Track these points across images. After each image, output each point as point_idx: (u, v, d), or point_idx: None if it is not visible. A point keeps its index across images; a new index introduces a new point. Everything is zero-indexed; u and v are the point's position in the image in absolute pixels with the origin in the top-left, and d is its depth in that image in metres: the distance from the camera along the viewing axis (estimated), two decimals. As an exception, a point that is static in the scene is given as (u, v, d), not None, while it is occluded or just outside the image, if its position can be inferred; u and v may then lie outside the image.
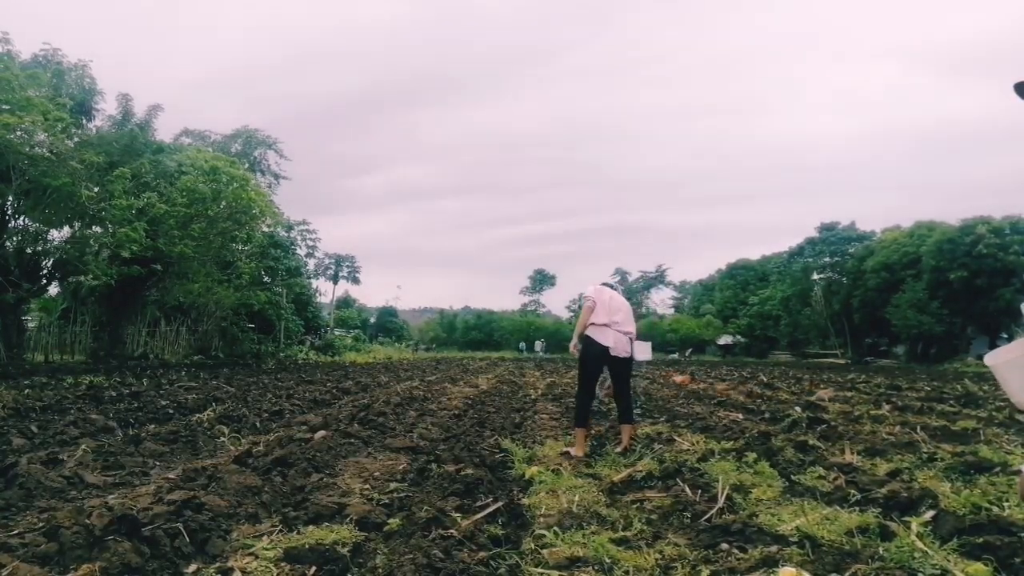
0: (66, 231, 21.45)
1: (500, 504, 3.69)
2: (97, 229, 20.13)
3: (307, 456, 5.16)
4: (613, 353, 6.39)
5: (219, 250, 28.19)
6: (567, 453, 6.06)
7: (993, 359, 2.38)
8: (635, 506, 4.09)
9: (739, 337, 72.84)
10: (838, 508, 4.05)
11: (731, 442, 6.73)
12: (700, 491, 4.34)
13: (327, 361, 33.95)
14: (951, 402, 11.74)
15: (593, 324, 6.43)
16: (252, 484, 4.25)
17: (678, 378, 15.44)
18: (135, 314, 27.73)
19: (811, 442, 6.68)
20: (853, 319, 55.16)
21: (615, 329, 6.41)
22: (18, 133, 16.69)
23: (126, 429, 7.14)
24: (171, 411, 8.45)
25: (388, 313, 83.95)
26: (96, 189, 19.32)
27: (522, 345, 63.92)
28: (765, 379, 19.90)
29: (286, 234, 38.89)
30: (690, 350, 69.60)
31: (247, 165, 34.42)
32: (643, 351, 6.68)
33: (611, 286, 7.14)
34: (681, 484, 4.43)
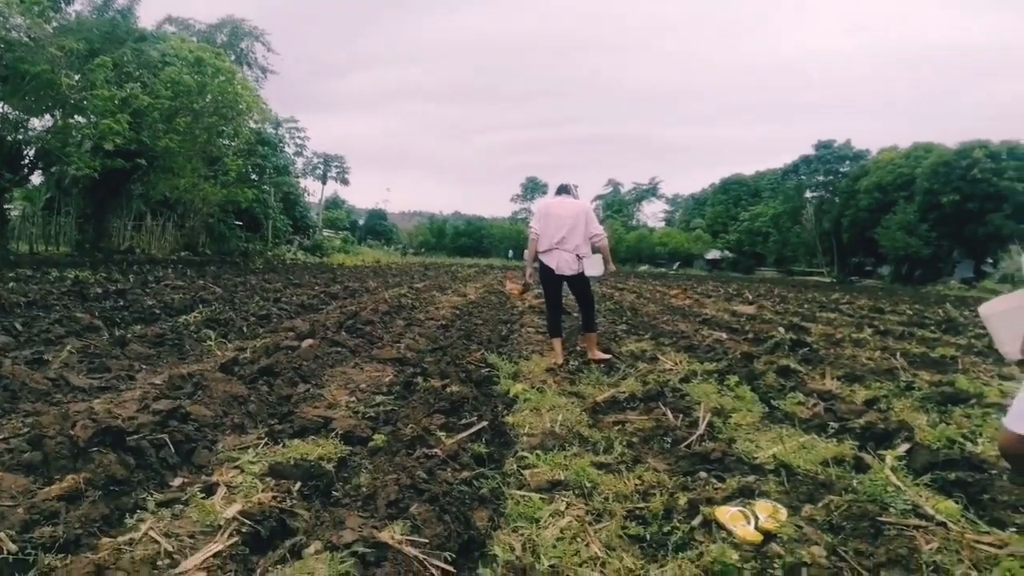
0: (47, 119, 20.87)
1: (484, 423, 3.73)
2: (79, 119, 19.51)
3: (294, 365, 5.18)
4: (559, 272, 6.54)
5: (205, 145, 27.62)
6: (551, 369, 6.16)
7: (987, 309, 2.36)
8: (617, 428, 4.15)
9: (727, 252, 73.15)
10: (815, 436, 4.14)
11: (714, 364, 6.81)
12: (681, 415, 4.41)
13: (315, 262, 33.86)
14: (932, 327, 11.90)
15: (540, 252, 6.63)
16: (238, 393, 4.26)
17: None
18: (120, 208, 27.37)
19: (792, 366, 6.76)
20: (842, 238, 55.29)
21: (560, 249, 6.50)
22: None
23: (112, 329, 7.13)
24: (157, 311, 8.43)
25: (377, 216, 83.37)
26: (77, 77, 18.61)
27: (511, 252, 63.96)
28: (750, 296, 20.06)
29: (274, 131, 38.03)
30: (678, 264, 70.04)
31: (233, 57, 33.28)
32: (593, 267, 6.62)
33: (567, 190, 6.97)
34: (663, 408, 4.49)
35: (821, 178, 60.66)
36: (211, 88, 23.67)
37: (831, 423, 4.47)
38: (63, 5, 20.93)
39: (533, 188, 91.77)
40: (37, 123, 20.80)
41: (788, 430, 4.31)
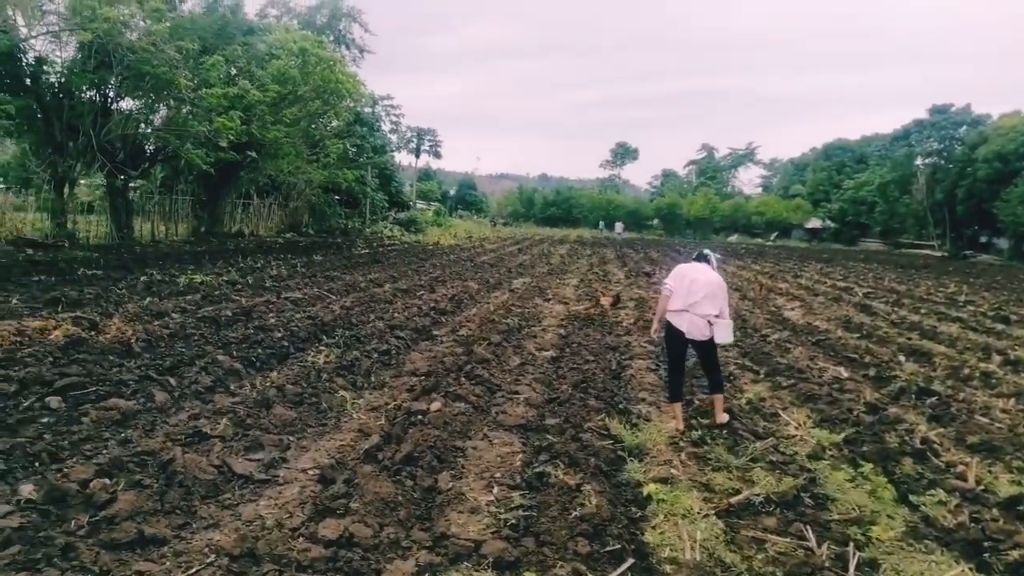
0: (164, 113, 21.98)
1: (631, 562, 3.83)
2: (192, 119, 20.44)
3: (429, 444, 5.42)
4: (688, 336, 6.57)
5: (307, 129, 28.52)
6: (674, 439, 6.23)
7: None
8: (756, 550, 4.18)
9: (829, 222, 70.16)
10: (966, 570, 4.04)
11: (839, 428, 6.68)
12: (821, 532, 4.39)
13: (412, 242, 34.59)
14: (1068, 354, 11.17)
15: (671, 310, 6.65)
16: (387, 494, 4.52)
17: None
18: (230, 193, 28.66)
19: (924, 432, 6.57)
20: (956, 210, 52.10)
21: (692, 312, 6.53)
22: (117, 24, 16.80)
23: (250, 372, 7.62)
24: (286, 343, 8.90)
25: (467, 185, 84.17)
26: (191, 76, 19.48)
27: (601, 224, 63.48)
28: (859, 293, 19.29)
29: (371, 111, 38.78)
30: (775, 234, 67.78)
31: (332, 38, 34.02)
32: (724, 334, 6.61)
33: (707, 259, 6.99)
34: (802, 525, 4.47)
35: (935, 145, 57.01)
36: (314, 75, 24.30)
37: (981, 541, 4.37)
38: (177, 3, 21.84)
39: (623, 154, 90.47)
40: (156, 119, 21.96)
41: (937, 556, 4.23)
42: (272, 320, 10.37)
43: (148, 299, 11.57)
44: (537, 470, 5.17)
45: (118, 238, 21.46)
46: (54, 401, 6.03)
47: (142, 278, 14.04)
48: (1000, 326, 14.24)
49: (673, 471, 5.36)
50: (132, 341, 8.13)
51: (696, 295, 6.50)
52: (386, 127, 43.42)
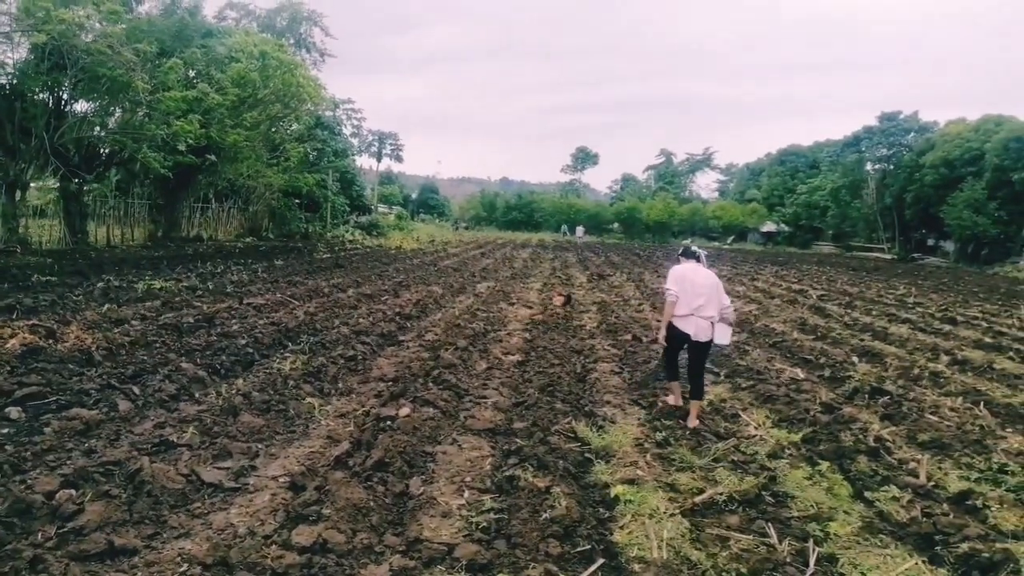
0: (119, 115, 21.55)
1: (601, 562, 3.94)
2: (149, 122, 20.07)
3: (399, 449, 5.46)
4: (695, 339, 6.85)
5: (267, 132, 28.22)
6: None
7: None
8: (720, 548, 4.32)
9: (783, 226, 71.70)
10: (919, 563, 4.24)
11: (797, 428, 6.90)
12: (783, 529, 4.56)
13: (374, 246, 34.40)
14: (1011, 354, 11.65)
15: (677, 315, 6.84)
16: (359, 500, 4.55)
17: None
18: (188, 197, 28.20)
19: (877, 430, 6.83)
20: (904, 214, 53.72)
21: (698, 316, 6.80)
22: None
23: (215, 379, 7.56)
24: (251, 349, 8.83)
25: (429, 189, 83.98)
26: (148, 79, 19.14)
27: (564, 228, 63.86)
28: (814, 296, 19.80)
29: (331, 114, 38.48)
30: (732, 238, 69.03)
31: (292, 41, 33.74)
32: (723, 335, 6.92)
33: (696, 256, 7.21)
34: (763, 522, 4.64)
35: (884, 151, 58.64)
36: (274, 78, 24.09)
37: (932, 535, 4.58)
38: (134, 5, 21.45)
39: (584, 159, 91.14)
40: (112, 122, 21.52)
41: (892, 550, 4.43)
42: (235, 326, 10.28)
43: (107, 306, 11.37)
44: (507, 473, 5.25)
45: (72, 243, 20.99)
46: (14, 411, 5.93)
47: (99, 284, 13.77)
48: (947, 327, 14.77)
49: (639, 472, 5.49)
50: (92, 349, 7.99)
51: (700, 298, 6.75)
52: (347, 131, 43.10)
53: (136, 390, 6.77)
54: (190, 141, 20.08)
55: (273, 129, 29.09)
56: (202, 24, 23.33)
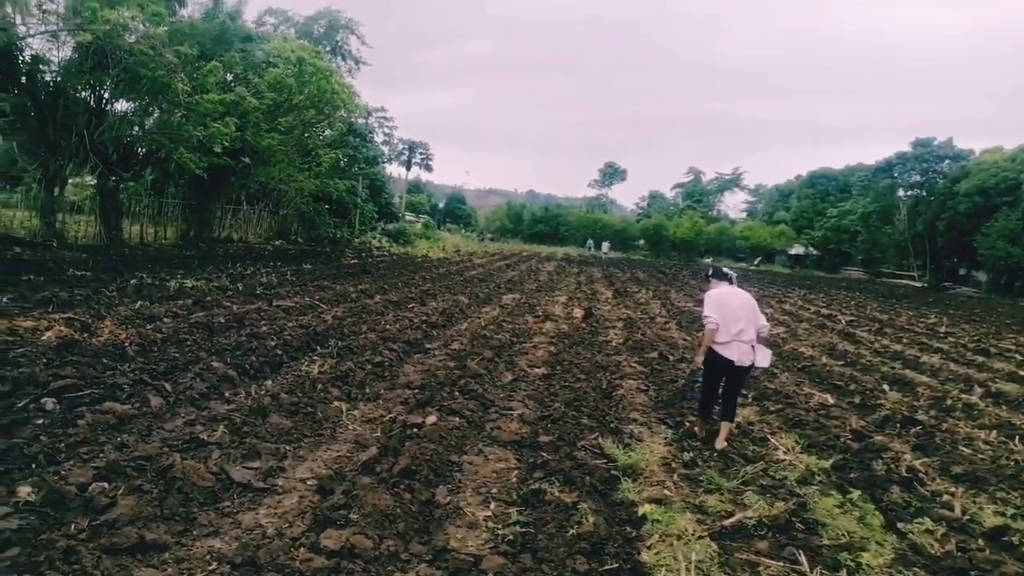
0: (158, 116, 21.91)
1: (629, 580, 3.91)
2: (187, 122, 20.39)
3: (425, 457, 5.46)
4: (737, 364, 6.66)
5: (300, 137, 28.54)
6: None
7: None
8: (750, 573, 4.26)
9: (811, 249, 70.94)
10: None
11: (827, 454, 6.80)
12: (814, 557, 4.48)
13: (401, 254, 34.59)
14: (1047, 388, 11.39)
15: (718, 343, 6.66)
16: (385, 507, 4.55)
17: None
18: (220, 199, 28.58)
19: (909, 460, 6.70)
20: (936, 242, 52.91)
21: (739, 341, 6.64)
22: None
23: (245, 380, 7.62)
24: (279, 351, 8.90)
25: (456, 199, 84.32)
26: (188, 81, 19.46)
27: (589, 243, 63.74)
28: (843, 321, 19.53)
29: (364, 121, 38.85)
30: (759, 259, 68.39)
31: (329, 48, 34.18)
32: (764, 358, 6.81)
33: (728, 277, 7.15)
34: (794, 549, 4.56)
35: (917, 177, 57.92)
36: (309, 84, 24.40)
37: (968, 570, 4.48)
38: (176, 7, 21.86)
39: (612, 174, 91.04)
40: (150, 122, 21.88)
41: (923, 583, 4.33)
42: (264, 328, 10.37)
43: (139, 302, 11.53)
44: (533, 487, 5.23)
45: (107, 239, 21.33)
46: (49, 403, 6.01)
47: (132, 281, 13.98)
48: (980, 358, 14.49)
49: (666, 492, 5.43)
50: (126, 344, 8.12)
51: (739, 323, 6.61)
52: (379, 138, 43.48)
53: (168, 387, 6.85)
54: (226, 143, 20.36)
55: (306, 134, 29.41)
56: (242, 28, 23.69)
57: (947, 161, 56.20)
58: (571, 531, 4.48)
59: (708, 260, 64.56)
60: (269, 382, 7.62)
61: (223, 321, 10.46)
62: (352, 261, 26.37)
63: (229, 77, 22.50)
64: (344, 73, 32.70)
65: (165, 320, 10.26)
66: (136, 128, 21.22)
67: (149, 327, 9.46)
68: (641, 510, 4.96)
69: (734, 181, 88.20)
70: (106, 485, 4.52)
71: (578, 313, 15.24)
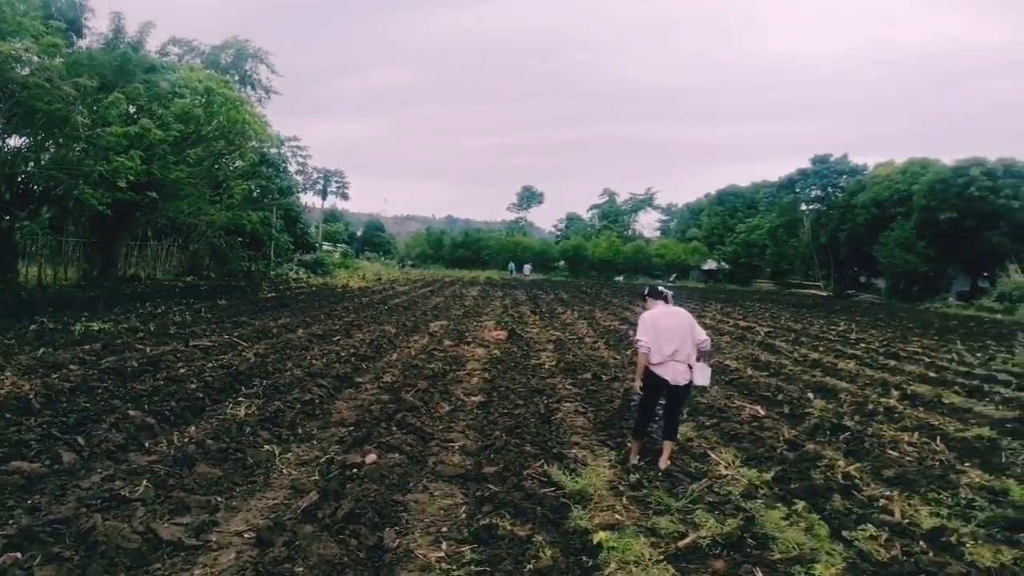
0: (55, 151, 20.78)
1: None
2: (87, 157, 19.39)
3: (369, 499, 5.21)
4: (672, 383, 6.69)
5: (210, 169, 27.62)
6: (613, 485, 6.35)
7: None
8: (711, 595, 4.21)
9: (723, 263, 73.47)
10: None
11: (766, 466, 6.89)
12: (769, 573, 4.48)
13: (320, 285, 33.80)
14: (956, 388, 11.99)
15: (652, 364, 6.70)
16: (332, 555, 4.30)
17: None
18: (125, 235, 27.28)
19: (843, 466, 6.87)
20: (839, 252, 55.71)
21: (674, 361, 6.67)
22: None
23: (165, 427, 7.16)
24: (200, 394, 8.44)
25: (374, 227, 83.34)
26: (88, 114, 18.54)
27: (511, 266, 64.00)
28: (761, 332, 20.16)
29: (276, 151, 37.96)
30: (675, 275, 70.18)
31: (237, 78, 33.29)
32: (702, 377, 6.87)
33: (664, 296, 7.17)
34: (750, 566, 4.55)
35: (817, 192, 61.04)
36: (219, 115, 23.69)
37: (916, 574, 4.58)
38: (74, 39, 20.88)
39: (530, 197, 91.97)
40: (45, 157, 20.72)
41: (876, 591, 4.39)
42: (182, 370, 9.83)
43: (42, 349, 10.78)
44: (483, 522, 5.06)
45: (1, 283, 19.95)
46: (-54, 467, 5.46)
47: (32, 326, 13.08)
48: (892, 362, 15.17)
49: (618, 516, 5.36)
50: (30, 397, 7.51)
51: (673, 343, 6.62)
52: (292, 168, 42.46)
53: (81, 440, 6.34)
54: (130, 177, 19.44)
55: (216, 166, 28.49)
56: (145, 59, 22.77)
57: (844, 176, 59.44)
58: (528, 566, 4.35)
59: (620, 278, 65.82)
60: (192, 428, 7.18)
61: (136, 365, 9.87)
62: (270, 295, 25.56)
63: (132, 109, 21.55)
64: (254, 103, 31.90)
65: (72, 367, 9.59)
66: (31, 164, 20.04)
67: (55, 376, 8.82)
68: (596, 538, 4.86)
69: (647, 201, 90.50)
70: (19, 555, 4.10)
71: (500, 335, 15.24)
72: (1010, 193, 42.01)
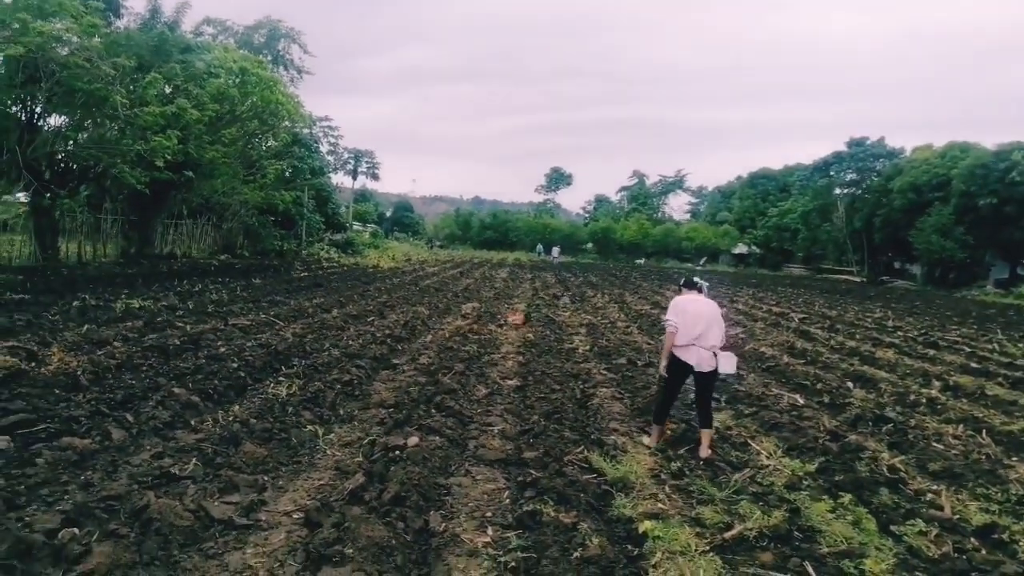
0: (94, 130, 21.04)
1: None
2: (126, 136, 19.59)
3: (413, 481, 5.25)
4: (697, 369, 6.74)
5: (243, 149, 27.82)
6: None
7: None
8: (760, 587, 4.19)
9: (754, 248, 72.65)
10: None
11: (808, 457, 6.82)
12: (818, 567, 4.44)
13: (351, 264, 34.02)
14: (1000, 379, 11.75)
15: (676, 345, 6.73)
16: (380, 538, 4.33)
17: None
18: (162, 214, 27.64)
19: (888, 460, 6.77)
20: (873, 238, 54.71)
21: (699, 346, 6.70)
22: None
23: (209, 407, 7.27)
24: (242, 373, 8.56)
25: (403, 207, 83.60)
26: (126, 94, 18.73)
27: (539, 248, 63.84)
28: (795, 319, 19.91)
29: (308, 131, 38.13)
30: (704, 259, 69.59)
31: (270, 58, 33.47)
32: (728, 364, 6.85)
33: (697, 286, 7.20)
34: (799, 559, 4.51)
35: (853, 176, 59.91)
36: (253, 95, 23.82)
37: (968, 572, 4.51)
38: (112, 19, 21.06)
39: (558, 179, 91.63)
40: (85, 137, 20.98)
41: (928, 588, 4.33)
42: (223, 349, 9.96)
43: (86, 326, 10.97)
44: (527, 508, 5.07)
45: (42, 259, 20.35)
46: (2, 441, 5.60)
47: (74, 303, 13.30)
48: (931, 351, 14.90)
49: (661, 506, 5.34)
50: (78, 373, 7.66)
51: (699, 327, 6.65)
52: (324, 148, 42.74)
53: (129, 417, 6.47)
54: (168, 157, 19.63)
55: (250, 146, 28.68)
56: (181, 39, 22.92)
57: (881, 159, 58.26)
58: (575, 554, 4.35)
59: (641, 261, 65.25)
60: (236, 407, 7.27)
61: (178, 343, 10.02)
62: (303, 274, 25.78)
63: (168, 89, 21.73)
64: (287, 83, 32.06)
65: (116, 344, 9.75)
66: (71, 143, 20.32)
67: (100, 353, 8.97)
68: (641, 527, 4.85)
69: (677, 183, 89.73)
70: (76, 531, 4.19)
71: (516, 319, 15.28)
72: (1053, 178, 40.82)
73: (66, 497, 4.78)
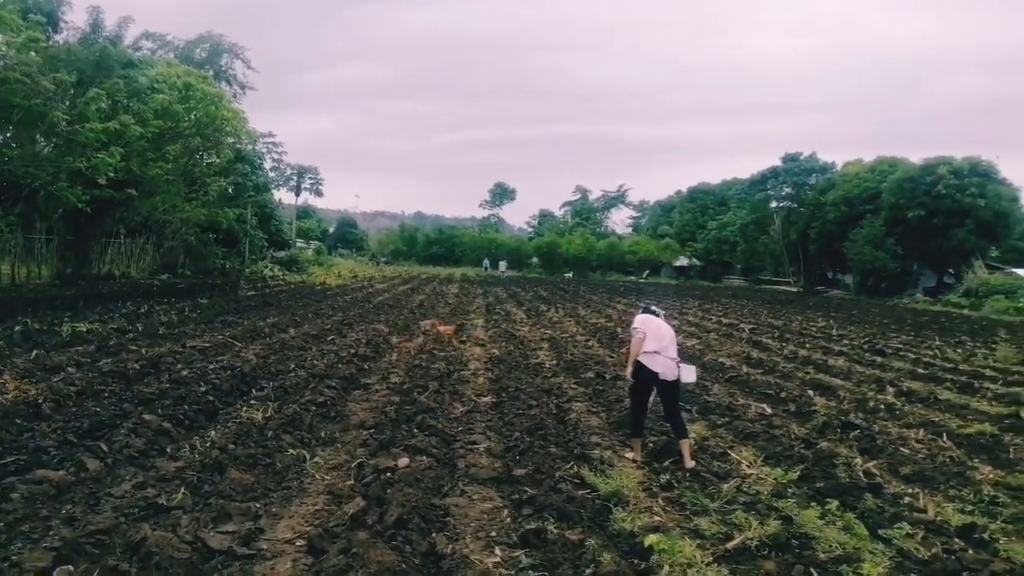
0: (32, 147, 20.20)
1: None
2: (67, 153, 18.86)
3: (412, 504, 5.17)
4: (662, 377, 6.97)
5: (186, 165, 27.14)
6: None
7: None
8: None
9: (695, 260, 74.29)
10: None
11: (787, 465, 6.97)
12: (822, 574, 4.54)
13: (298, 282, 33.41)
14: (948, 384, 12.27)
15: (644, 352, 6.97)
16: (390, 562, 4.25)
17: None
18: (100, 233, 26.66)
19: (861, 463, 6.99)
20: (809, 249, 56.66)
21: (664, 355, 6.98)
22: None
23: (183, 433, 7.02)
24: (211, 397, 8.30)
25: (346, 223, 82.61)
26: (67, 110, 18.06)
27: (485, 263, 63.87)
28: (746, 330, 20.41)
29: (252, 147, 37.40)
30: (647, 272, 70.79)
31: (212, 73, 32.76)
32: (689, 374, 7.14)
33: (654, 313, 7.40)
34: (802, 567, 4.60)
35: (788, 190, 61.91)
36: (197, 110, 23.30)
37: (959, 572, 4.68)
38: (51, 32, 20.32)
39: (502, 194, 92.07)
40: (15, 153, 20.10)
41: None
42: (185, 372, 9.64)
43: (35, 352, 10.49)
44: (530, 526, 5.04)
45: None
46: (-31, 476, 5.29)
47: (16, 327, 12.71)
48: (879, 358, 15.46)
49: (658, 519, 5.40)
50: (40, 402, 7.31)
51: (664, 339, 6.99)
52: (267, 164, 41.95)
53: (103, 447, 6.19)
54: (111, 174, 18.96)
55: (192, 162, 27.98)
56: (123, 54, 22.24)
57: (814, 174, 60.42)
58: (588, 570, 4.35)
59: (568, 275, 65.50)
60: (212, 432, 7.05)
61: (138, 367, 9.67)
62: (250, 293, 25.22)
63: (103, 106, 21.00)
64: (231, 98, 31.38)
65: (71, 370, 9.38)
66: (7, 160, 19.43)
67: (56, 379, 8.62)
68: (646, 541, 4.88)
69: (619, 198, 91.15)
70: (71, 568, 3.99)
71: (446, 330, 15.40)
72: (976, 191, 42.98)
73: (51, 533, 4.55)
